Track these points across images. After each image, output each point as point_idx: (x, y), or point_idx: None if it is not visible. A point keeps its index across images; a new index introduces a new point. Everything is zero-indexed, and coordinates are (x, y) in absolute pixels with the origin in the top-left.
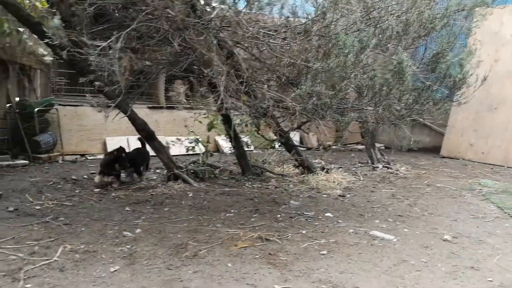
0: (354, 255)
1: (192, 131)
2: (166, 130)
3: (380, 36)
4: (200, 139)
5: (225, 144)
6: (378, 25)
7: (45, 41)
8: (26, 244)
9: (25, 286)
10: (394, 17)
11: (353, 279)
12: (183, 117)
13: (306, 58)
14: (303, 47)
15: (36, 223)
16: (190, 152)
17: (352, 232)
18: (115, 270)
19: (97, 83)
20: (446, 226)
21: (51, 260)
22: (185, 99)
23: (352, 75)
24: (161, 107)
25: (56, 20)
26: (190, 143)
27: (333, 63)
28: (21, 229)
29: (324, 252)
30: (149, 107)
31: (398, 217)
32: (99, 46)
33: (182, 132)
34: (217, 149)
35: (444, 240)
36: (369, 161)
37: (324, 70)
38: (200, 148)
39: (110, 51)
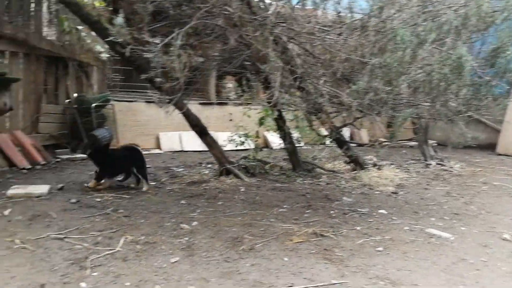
0: (410, 253)
1: (241, 126)
2: (216, 126)
3: (437, 30)
4: (249, 135)
5: (274, 140)
6: (436, 19)
7: (107, 39)
8: (90, 234)
9: (92, 274)
10: (452, 11)
11: (411, 276)
12: (230, 113)
13: (362, 53)
14: (359, 42)
15: (98, 215)
16: (240, 148)
17: (408, 229)
18: (175, 261)
19: (158, 80)
20: (505, 225)
21: (114, 250)
22: (236, 95)
23: (409, 71)
24: (212, 103)
25: (120, 18)
26: (240, 138)
27: (390, 59)
28: (84, 220)
29: (380, 248)
30: (200, 103)
31: (454, 215)
32: (159, 43)
33: (232, 128)
34: (266, 144)
35: (503, 239)
36: (422, 158)
37: (381, 66)
38: (249, 144)
39: (171, 48)
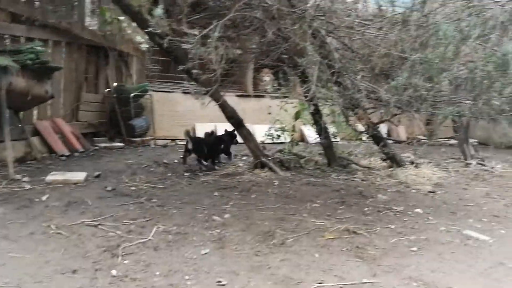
0: (446, 254)
1: (278, 120)
2: (253, 118)
3: (482, 26)
4: (286, 128)
5: (310, 134)
6: (481, 14)
7: (146, 30)
8: (123, 222)
9: (123, 262)
10: (499, 6)
11: (446, 278)
12: (269, 105)
13: (402, 48)
14: (400, 37)
15: (132, 203)
16: (276, 141)
17: (444, 230)
18: (205, 253)
19: (194, 71)
20: None
21: (146, 239)
22: (273, 88)
23: (451, 67)
24: (249, 96)
25: (159, 10)
26: (276, 131)
27: (431, 54)
28: (119, 208)
29: (414, 248)
30: (237, 95)
31: (493, 217)
32: (197, 35)
33: (268, 121)
34: (302, 138)
35: None
36: (462, 157)
37: (421, 62)
38: (285, 137)
39: (208, 40)
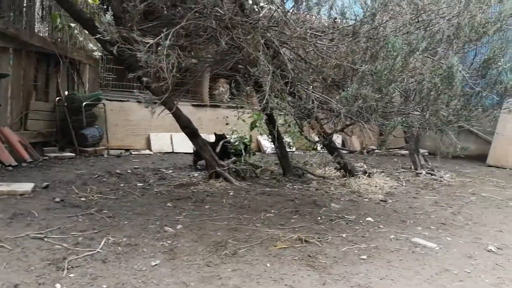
0: (394, 262)
1: (235, 130)
2: (208, 128)
3: (429, 39)
4: (242, 138)
5: (267, 144)
6: (428, 28)
7: (96, 37)
8: (71, 234)
9: (69, 275)
10: (445, 21)
11: (393, 286)
12: (226, 115)
13: (353, 60)
14: (351, 48)
15: (81, 215)
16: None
17: (393, 238)
18: (155, 264)
19: (145, 79)
20: (491, 236)
21: (94, 252)
22: (229, 98)
23: (399, 79)
24: (205, 105)
25: (108, 16)
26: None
27: (380, 66)
28: (67, 220)
29: (364, 257)
30: (193, 105)
31: (441, 225)
32: (148, 42)
33: (225, 131)
34: (259, 148)
35: (488, 251)
36: (413, 167)
37: (371, 73)
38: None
39: (159, 48)
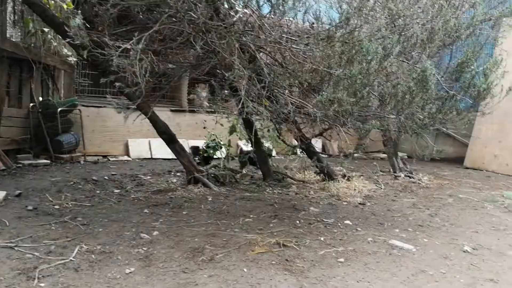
0: (372, 264)
1: (214, 135)
2: (188, 133)
3: (404, 43)
4: (221, 143)
5: (247, 149)
6: (403, 33)
7: (67, 41)
8: (43, 243)
9: (39, 285)
10: (419, 25)
11: None
12: (204, 120)
13: (329, 64)
14: (326, 53)
15: (54, 223)
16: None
17: (371, 240)
18: (130, 272)
19: (117, 84)
20: (466, 237)
21: (67, 260)
22: (207, 102)
23: (374, 82)
24: (184, 110)
25: (78, 20)
26: (212, 146)
27: (355, 70)
28: (39, 228)
29: (342, 259)
30: (171, 110)
31: (418, 227)
32: (121, 47)
33: (204, 136)
34: (239, 153)
35: (464, 252)
36: (391, 170)
37: (346, 77)
38: (221, 152)
39: (131, 52)
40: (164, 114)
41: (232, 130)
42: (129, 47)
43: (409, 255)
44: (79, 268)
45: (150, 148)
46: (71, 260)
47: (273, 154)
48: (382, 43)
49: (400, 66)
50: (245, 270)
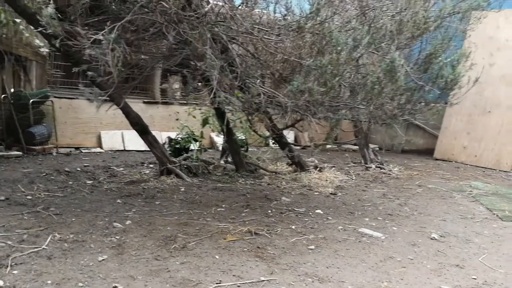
0: (341, 251)
1: (186, 126)
2: (161, 125)
3: (373, 35)
4: (194, 135)
5: (220, 140)
6: (372, 24)
7: (38, 30)
8: (16, 232)
9: (12, 272)
10: (389, 17)
11: (339, 273)
12: (177, 112)
13: (300, 55)
14: (297, 43)
15: (27, 213)
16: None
17: (341, 228)
18: (103, 260)
19: (89, 73)
20: (434, 225)
21: (40, 248)
22: (180, 94)
23: (344, 73)
24: (157, 102)
25: (50, 9)
26: (183, 138)
27: (325, 60)
28: (11, 218)
29: (312, 247)
30: (144, 102)
31: (388, 215)
32: (93, 37)
33: (177, 128)
34: (212, 145)
35: (431, 239)
36: (362, 161)
37: (316, 67)
38: (194, 144)
39: (103, 42)
40: (137, 106)
41: (205, 122)
42: (101, 37)
43: (378, 242)
44: (52, 256)
45: (123, 140)
46: (43, 248)
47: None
48: (352, 34)
49: (369, 57)
50: (217, 257)
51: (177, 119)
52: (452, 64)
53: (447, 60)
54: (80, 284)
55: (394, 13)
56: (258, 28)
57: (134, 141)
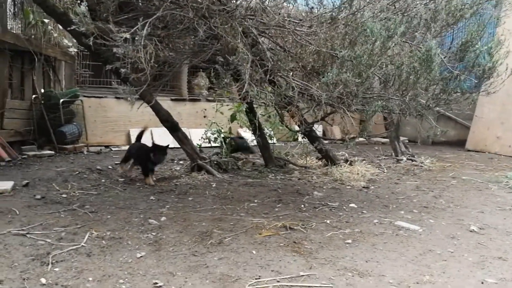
0: (379, 245)
1: (214, 123)
2: (188, 122)
3: (407, 24)
4: (222, 131)
5: (248, 136)
6: (406, 13)
7: (70, 28)
8: (54, 230)
9: (54, 269)
10: (422, 5)
11: (379, 267)
12: (204, 109)
13: (332, 46)
14: (329, 35)
15: (63, 211)
16: (213, 144)
17: (377, 222)
18: (141, 256)
19: (122, 70)
20: (472, 217)
21: (79, 246)
22: (207, 91)
23: (379, 63)
24: (184, 99)
25: (83, 7)
26: (213, 134)
27: (360, 51)
28: (48, 216)
29: (349, 241)
30: (172, 99)
31: (423, 208)
32: (126, 33)
33: (204, 124)
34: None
35: (470, 231)
36: (393, 154)
37: (350, 58)
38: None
39: (136, 38)
40: (165, 103)
41: (233, 117)
42: (131, 35)
43: (415, 235)
44: (91, 253)
45: (152, 137)
46: (82, 245)
47: (274, 141)
48: (385, 24)
49: (404, 47)
50: (254, 252)
51: (204, 116)
52: (489, 52)
53: (483, 48)
54: (121, 281)
55: (428, 0)
56: (290, 20)
57: (163, 138)
